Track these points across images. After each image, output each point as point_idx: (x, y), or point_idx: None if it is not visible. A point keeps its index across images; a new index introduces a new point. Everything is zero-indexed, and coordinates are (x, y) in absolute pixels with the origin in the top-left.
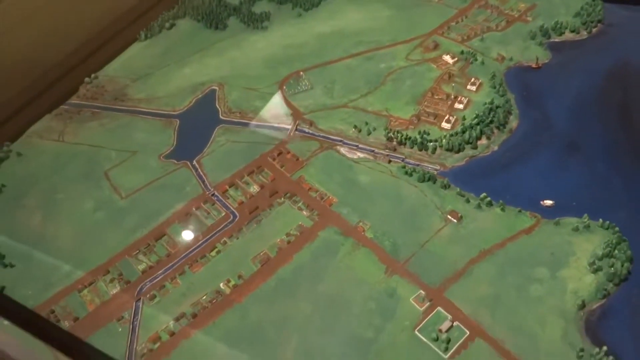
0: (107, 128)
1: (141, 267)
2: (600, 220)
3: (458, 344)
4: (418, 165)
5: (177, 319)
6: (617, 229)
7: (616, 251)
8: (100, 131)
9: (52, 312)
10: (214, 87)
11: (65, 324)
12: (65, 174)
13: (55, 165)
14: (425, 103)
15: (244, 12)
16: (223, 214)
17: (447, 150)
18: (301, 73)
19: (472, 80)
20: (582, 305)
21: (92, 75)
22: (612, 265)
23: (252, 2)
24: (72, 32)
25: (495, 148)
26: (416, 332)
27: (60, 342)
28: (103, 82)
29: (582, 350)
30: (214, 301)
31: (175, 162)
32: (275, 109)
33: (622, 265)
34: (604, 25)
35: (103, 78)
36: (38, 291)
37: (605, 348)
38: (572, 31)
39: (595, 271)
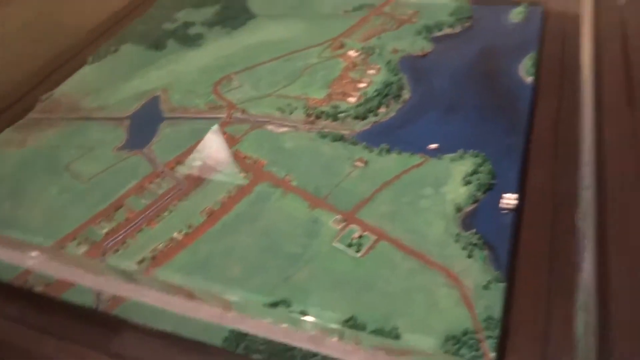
0: (65, 132)
1: (104, 230)
2: (471, 151)
3: (367, 246)
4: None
5: (138, 263)
6: (482, 154)
7: (481, 168)
8: (59, 135)
9: (26, 281)
10: (157, 94)
11: (39, 289)
12: (29, 170)
13: (19, 165)
14: (335, 86)
15: (180, 34)
16: (173, 184)
17: (355, 118)
18: (232, 75)
19: (372, 66)
20: (459, 209)
21: (47, 93)
22: (479, 179)
23: (186, 27)
24: (24, 61)
25: (393, 114)
26: (334, 244)
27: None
28: (58, 98)
29: (457, 235)
30: (169, 246)
31: (128, 151)
32: (211, 105)
33: (487, 179)
34: (474, 20)
35: (58, 95)
36: (11, 267)
37: (474, 230)
38: (450, 26)
39: (467, 184)
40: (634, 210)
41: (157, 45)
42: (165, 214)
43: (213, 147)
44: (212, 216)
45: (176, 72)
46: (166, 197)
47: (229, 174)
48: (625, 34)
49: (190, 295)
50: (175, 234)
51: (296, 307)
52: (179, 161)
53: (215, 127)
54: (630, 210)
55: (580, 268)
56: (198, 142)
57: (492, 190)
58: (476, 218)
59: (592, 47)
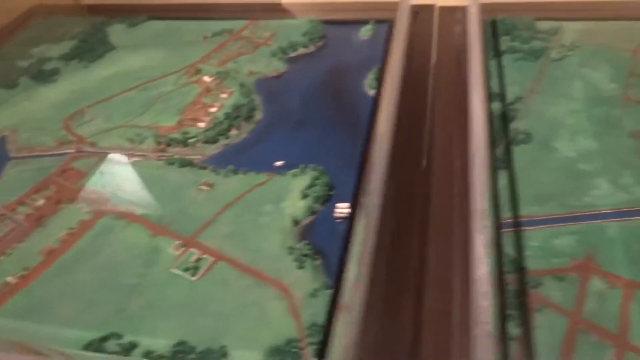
0: None
1: None
2: (312, 165)
3: (204, 268)
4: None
5: None
6: (321, 168)
7: (318, 181)
8: None
9: None
10: (5, 134)
11: None
12: None
13: None
14: (187, 112)
15: (34, 70)
16: (11, 226)
17: (205, 142)
18: (85, 109)
19: (225, 90)
20: (296, 222)
21: None
22: (316, 192)
23: (42, 62)
24: None
25: (245, 135)
26: (171, 270)
27: None
28: None
29: (291, 248)
30: (2, 292)
31: None
32: (60, 141)
33: (324, 191)
34: (327, 39)
35: None
36: None
37: (306, 241)
38: (304, 46)
39: (305, 197)
40: (454, 217)
41: (9, 83)
42: (2, 257)
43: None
44: (51, 255)
45: (27, 110)
46: (3, 241)
47: (72, 210)
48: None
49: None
50: (9, 278)
51: (127, 338)
52: (21, 202)
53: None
54: (448, 216)
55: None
56: (42, 180)
57: (329, 201)
58: (313, 229)
59: (435, 59)
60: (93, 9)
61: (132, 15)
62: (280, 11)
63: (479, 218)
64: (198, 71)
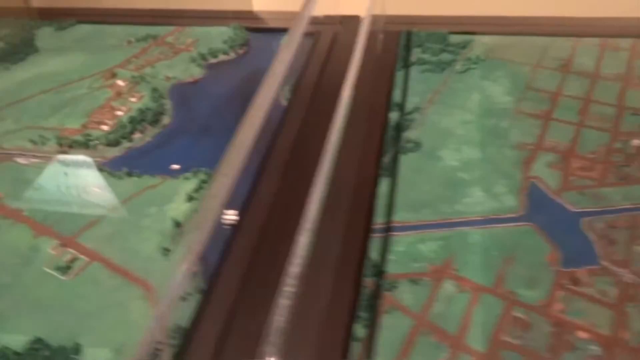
0: None
1: None
2: (204, 169)
3: (78, 268)
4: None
5: None
6: (211, 172)
7: (206, 184)
8: None
9: None
10: None
11: None
12: None
13: None
14: (95, 115)
15: None
16: None
17: (107, 145)
18: None
19: (136, 95)
20: (177, 224)
21: None
22: (202, 196)
23: None
24: None
25: (149, 139)
26: (44, 269)
27: None
28: None
29: (167, 250)
30: None
31: None
32: None
33: None
34: (249, 47)
35: None
36: None
37: None
38: (225, 53)
39: (190, 200)
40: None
41: None
42: None
43: None
44: None
45: None
46: None
47: None
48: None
49: None
50: None
51: None
52: None
53: None
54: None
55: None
56: None
57: None
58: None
59: (355, 72)
60: (44, 13)
61: (82, 19)
62: (213, 18)
63: (304, 221)
64: (113, 75)
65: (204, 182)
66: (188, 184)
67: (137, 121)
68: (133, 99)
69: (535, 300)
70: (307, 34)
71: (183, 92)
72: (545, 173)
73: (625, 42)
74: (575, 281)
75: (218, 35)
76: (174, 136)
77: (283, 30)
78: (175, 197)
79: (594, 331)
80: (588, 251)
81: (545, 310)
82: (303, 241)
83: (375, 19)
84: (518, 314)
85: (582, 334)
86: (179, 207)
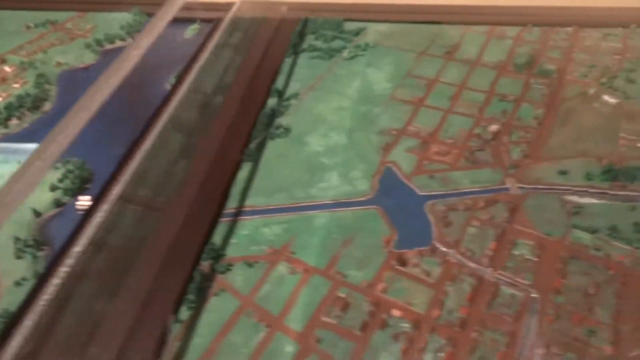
0: None
1: None
2: (74, 159)
3: None
4: None
5: None
6: (81, 161)
7: (72, 175)
8: None
9: None
10: None
11: None
12: None
13: None
14: None
15: None
16: None
17: None
18: None
19: (20, 81)
20: (38, 214)
21: None
22: (66, 185)
23: None
24: None
25: (26, 125)
26: None
27: None
28: None
29: (18, 239)
30: None
31: None
32: None
33: (76, 184)
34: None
35: None
36: None
37: (34, 234)
38: (122, 40)
39: (53, 190)
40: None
41: None
42: None
43: None
44: None
45: None
46: None
47: None
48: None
49: None
50: None
51: None
52: None
53: None
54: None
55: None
56: None
57: (83, 193)
58: (55, 221)
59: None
60: None
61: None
62: (117, 3)
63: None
64: (3, 61)
65: (70, 172)
66: (54, 174)
67: (14, 107)
68: (16, 85)
69: (361, 281)
70: (206, 20)
71: (72, 78)
72: (402, 158)
73: (512, 31)
74: (403, 262)
75: (117, 21)
76: (53, 122)
77: (188, 20)
78: (39, 187)
79: (409, 309)
80: (425, 233)
81: (368, 290)
82: (95, 221)
83: (271, 6)
84: (342, 294)
85: (396, 313)
86: (40, 197)
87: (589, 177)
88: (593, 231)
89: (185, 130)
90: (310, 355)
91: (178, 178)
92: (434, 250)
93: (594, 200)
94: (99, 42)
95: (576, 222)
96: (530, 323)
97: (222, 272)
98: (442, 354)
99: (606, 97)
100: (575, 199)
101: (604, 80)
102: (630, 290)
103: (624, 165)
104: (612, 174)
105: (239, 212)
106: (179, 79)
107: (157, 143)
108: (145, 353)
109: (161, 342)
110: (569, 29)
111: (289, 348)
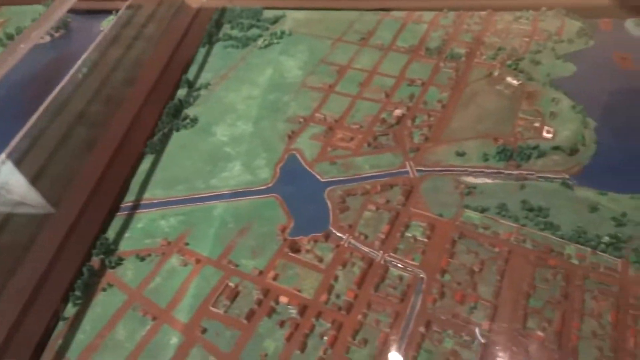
0: None
1: None
2: None
3: None
4: None
5: None
6: None
7: None
8: None
9: None
10: None
11: None
12: None
13: None
14: None
15: None
16: None
17: None
18: None
19: None
20: None
21: None
22: None
23: None
24: None
25: None
26: None
27: None
28: None
29: None
30: None
31: None
32: None
33: None
34: (69, 29)
35: None
36: None
37: None
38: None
39: None
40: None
41: None
42: None
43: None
44: None
45: None
46: None
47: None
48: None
49: None
50: None
51: None
52: None
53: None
54: None
55: None
56: None
57: None
58: None
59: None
60: None
61: None
62: None
63: None
64: None
65: None
66: None
67: None
68: None
69: (251, 270)
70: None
71: None
72: (307, 145)
73: (428, 15)
74: (297, 249)
75: (30, 14)
76: None
77: (106, 11)
78: None
79: (297, 296)
80: (322, 219)
81: (258, 278)
82: None
83: None
84: (232, 283)
85: (284, 299)
86: None
87: (485, 157)
88: (483, 210)
89: (88, 124)
90: (195, 346)
91: (75, 172)
92: (327, 236)
93: (488, 180)
94: (9, 37)
95: (468, 202)
96: (415, 303)
97: (113, 267)
98: (326, 338)
99: (509, 79)
100: (470, 179)
101: (509, 62)
102: (512, 267)
103: (519, 145)
104: (507, 153)
105: (136, 205)
106: (85, 73)
107: (58, 137)
108: (24, 353)
109: (42, 342)
110: (484, 12)
111: (174, 340)
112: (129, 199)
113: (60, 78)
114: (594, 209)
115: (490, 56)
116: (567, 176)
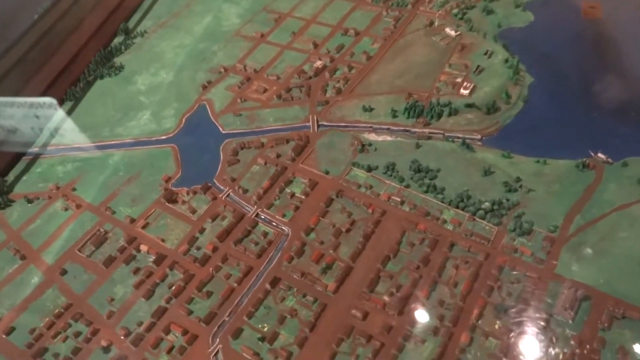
0: None
1: None
2: None
3: None
4: None
5: None
6: None
7: None
8: None
9: None
10: None
11: None
12: None
13: None
14: None
15: None
16: None
17: None
18: None
19: None
20: None
21: None
22: None
23: None
24: None
25: None
26: None
27: None
28: None
29: None
30: None
31: None
32: None
33: None
34: None
35: None
36: None
37: None
38: None
39: None
40: None
41: None
42: None
43: None
44: None
45: None
46: None
47: None
48: None
49: None
50: None
51: None
52: None
53: None
54: None
55: None
56: None
57: None
58: None
59: None
60: None
61: None
62: None
63: None
64: None
65: None
66: None
67: None
68: None
69: (124, 217)
70: None
71: None
72: (219, 95)
73: None
74: (173, 200)
75: None
76: None
77: None
78: None
79: (159, 245)
80: (211, 171)
81: (129, 226)
82: None
83: None
84: (104, 229)
85: (144, 247)
86: None
87: (394, 114)
88: (370, 169)
89: (23, 70)
90: (52, 287)
91: None
92: (207, 189)
93: (389, 138)
94: None
95: (358, 160)
96: (273, 259)
97: (2, 208)
98: (173, 288)
99: (447, 30)
100: (373, 136)
101: (456, 11)
102: (381, 229)
103: (431, 101)
104: (417, 110)
105: (41, 151)
106: (35, 19)
107: None
108: None
109: None
110: None
111: (35, 279)
112: (37, 144)
113: (19, 21)
114: (488, 172)
115: (439, 4)
116: (478, 136)
